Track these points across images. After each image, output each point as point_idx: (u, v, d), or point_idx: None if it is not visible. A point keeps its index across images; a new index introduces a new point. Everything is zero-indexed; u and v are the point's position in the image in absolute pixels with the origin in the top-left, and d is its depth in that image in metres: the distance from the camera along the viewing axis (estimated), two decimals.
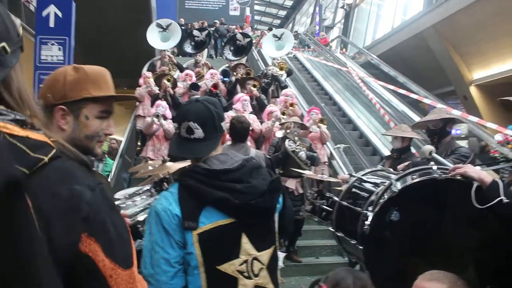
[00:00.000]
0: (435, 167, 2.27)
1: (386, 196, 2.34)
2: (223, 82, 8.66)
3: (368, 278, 1.97)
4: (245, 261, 1.69)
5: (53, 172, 0.79)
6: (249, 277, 1.70)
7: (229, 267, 1.67)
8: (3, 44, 0.79)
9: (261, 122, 7.06)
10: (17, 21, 0.89)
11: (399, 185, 2.33)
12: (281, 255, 4.87)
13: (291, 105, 7.18)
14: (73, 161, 0.88)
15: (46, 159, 0.78)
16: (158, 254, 1.64)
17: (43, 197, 0.75)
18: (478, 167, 2.27)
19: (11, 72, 0.82)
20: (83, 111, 1.46)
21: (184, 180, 1.71)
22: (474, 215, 2.11)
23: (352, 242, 2.56)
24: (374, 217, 2.31)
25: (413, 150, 4.91)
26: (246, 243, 1.70)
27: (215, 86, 7.78)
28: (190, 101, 1.83)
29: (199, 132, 1.70)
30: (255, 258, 1.71)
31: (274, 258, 1.79)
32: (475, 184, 2.07)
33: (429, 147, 2.80)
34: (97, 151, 1.52)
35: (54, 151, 0.80)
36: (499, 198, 1.97)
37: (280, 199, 1.86)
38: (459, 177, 2.18)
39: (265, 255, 1.74)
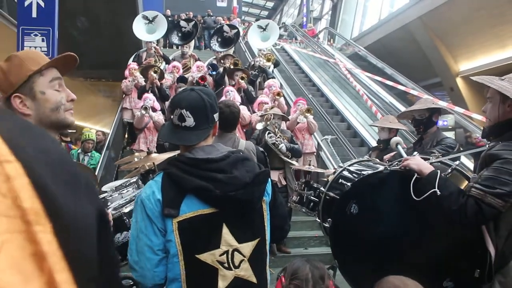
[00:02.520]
0: (389, 163, 2.27)
1: (344, 190, 2.34)
2: (210, 75, 8.60)
3: (325, 267, 1.96)
4: (226, 252, 1.69)
5: None
6: (229, 268, 1.70)
7: (209, 257, 1.67)
8: None
9: (253, 113, 7.04)
10: None
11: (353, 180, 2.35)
12: None
13: (278, 94, 7.15)
14: None
15: None
16: (142, 241, 1.67)
17: None
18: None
19: None
20: (36, 89, 1.49)
21: (168, 169, 1.73)
22: (419, 208, 2.09)
23: None
24: (335, 210, 2.32)
25: None
26: (226, 234, 1.69)
27: (203, 78, 7.72)
28: (186, 89, 1.84)
29: (190, 121, 1.72)
30: (236, 250, 1.71)
31: (258, 251, 1.77)
32: (414, 176, 2.06)
33: (397, 139, 2.80)
34: (69, 120, 1.57)
35: None
36: (432, 190, 1.96)
37: (269, 191, 1.85)
38: (402, 169, 2.17)
39: (246, 247, 1.73)
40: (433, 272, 2.16)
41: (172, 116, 1.77)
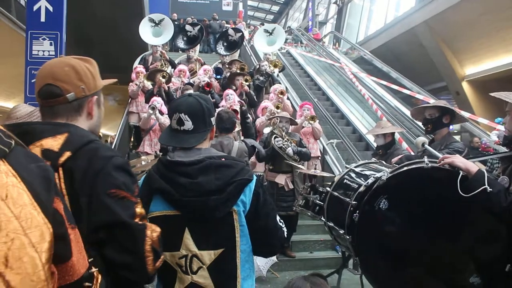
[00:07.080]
0: (426, 160, 2.30)
1: (376, 185, 2.37)
2: (216, 79, 8.62)
3: (325, 283, 1.84)
4: (185, 256, 1.71)
5: None
6: (186, 273, 1.71)
7: (170, 258, 1.72)
8: None
9: (256, 118, 7.06)
10: None
11: (388, 174, 2.37)
12: (262, 261, 4.77)
13: (281, 93, 7.16)
14: None
15: None
16: None
17: None
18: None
19: None
20: (101, 100, 1.59)
21: (152, 168, 1.81)
22: (460, 205, 2.16)
23: (341, 231, 2.58)
24: (363, 205, 2.35)
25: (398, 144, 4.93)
26: (187, 238, 1.71)
27: (208, 85, 7.72)
28: (184, 95, 1.91)
29: (188, 124, 1.78)
30: (195, 256, 1.71)
31: (223, 262, 1.73)
32: (461, 174, 2.13)
33: (422, 139, 2.83)
34: None
35: None
36: (483, 187, 2.03)
37: (247, 201, 1.76)
38: (446, 167, 2.23)
39: (206, 255, 1.71)
40: (460, 268, 2.23)
41: (171, 121, 1.82)
